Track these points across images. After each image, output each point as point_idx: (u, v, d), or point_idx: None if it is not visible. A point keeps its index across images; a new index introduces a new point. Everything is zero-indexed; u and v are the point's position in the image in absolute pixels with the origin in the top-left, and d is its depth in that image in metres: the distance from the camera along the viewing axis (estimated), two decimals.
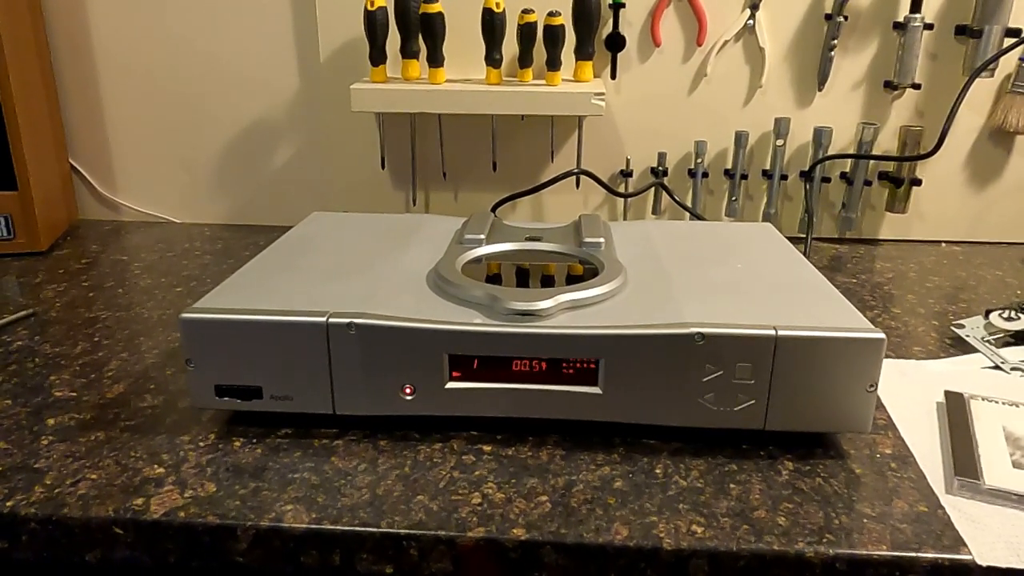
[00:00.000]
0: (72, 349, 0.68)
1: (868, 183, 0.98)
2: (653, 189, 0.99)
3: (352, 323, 0.52)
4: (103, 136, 1.03)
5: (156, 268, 0.89)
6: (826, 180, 0.98)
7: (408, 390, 0.54)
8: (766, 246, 0.69)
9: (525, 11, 0.88)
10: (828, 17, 0.92)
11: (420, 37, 0.89)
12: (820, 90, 0.96)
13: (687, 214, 0.98)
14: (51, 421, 0.57)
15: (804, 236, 0.97)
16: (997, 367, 0.67)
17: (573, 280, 0.59)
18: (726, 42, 0.94)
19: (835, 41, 0.93)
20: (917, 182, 0.97)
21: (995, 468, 0.51)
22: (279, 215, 1.05)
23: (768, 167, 0.98)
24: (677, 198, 0.97)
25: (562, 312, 0.54)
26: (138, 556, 0.48)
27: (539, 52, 0.90)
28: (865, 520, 0.47)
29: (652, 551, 0.45)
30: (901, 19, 0.92)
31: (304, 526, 0.46)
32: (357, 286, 0.58)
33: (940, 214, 1.00)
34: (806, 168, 0.98)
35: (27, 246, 0.92)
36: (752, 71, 0.95)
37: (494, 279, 0.60)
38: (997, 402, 0.59)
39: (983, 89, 0.95)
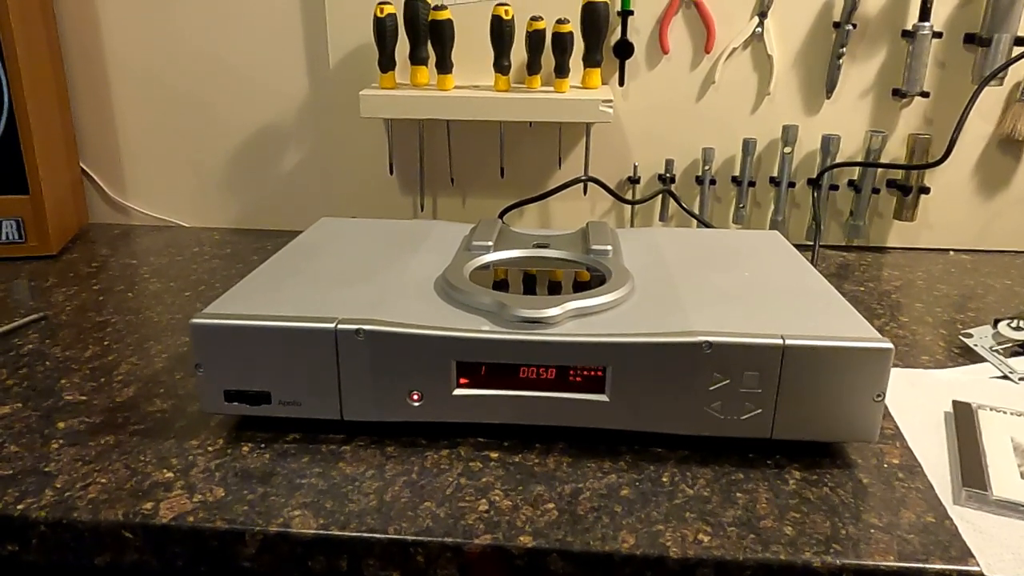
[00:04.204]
0: (82, 353, 0.69)
1: (876, 191, 0.98)
2: (661, 196, 0.99)
3: (360, 329, 0.52)
4: (114, 141, 1.04)
5: (165, 272, 0.89)
6: (834, 188, 0.98)
7: (416, 396, 0.54)
8: (773, 254, 0.69)
9: (534, 18, 0.88)
10: (836, 25, 0.92)
11: (429, 44, 0.90)
12: (828, 98, 0.96)
13: (694, 221, 0.98)
14: (61, 424, 0.57)
15: (811, 244, 0.97)
16: (1005, 377, 0.66)
17: (581, 287, 0.59)
18: (734, 49, 0.94)
19: (843, 49, 0.93)
20: (925, 190, 0.97)
21: (1003, 479, 0.51)
22: (288, 220, 1.05)
23: (776, 174, 0.98)
24: (684, 205, 0.97)
25: (569, 319, 0.54)
26: (147, 560, 0.48)
27: (547, 59, 0.91)
28: (872, 530, 0.47)
29: (658, 559, 0.45)
30: (910, 27, 0.92)
31: (312, 532, 0.47)
32: (365, 292, 0.58)
33: (948, 222, 1.00)
34: (814, 176, 0.98)
35: (38, 250, 0.93)
36: (760, 78, 0.95)
37: (502, 286, 0.60)
38: (1005, 412, 0.59)
39: (992, 98, 0.94)
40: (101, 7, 0.98)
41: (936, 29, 0.91)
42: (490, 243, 0.67)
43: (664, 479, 0.52)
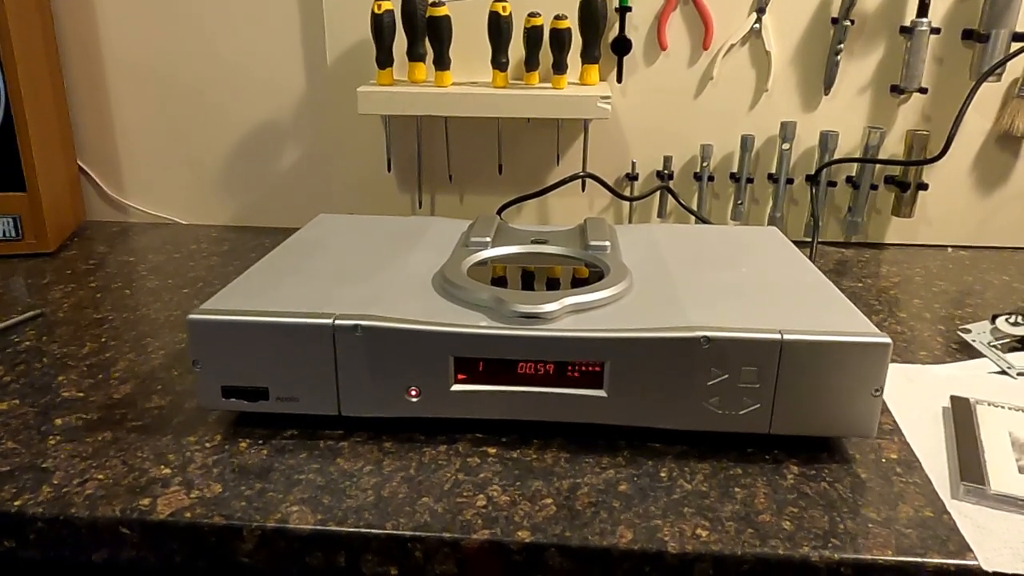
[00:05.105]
0: (80, 350, 0.69)
1: (874, 187, 0.98)
2: (659, 192, 0.99)
3: (358, 325, 0.52)
4: (111, 138, 1.04)
5: (163, 269, 0.89)
6: (832, 184, 0.98)
7: (414, 392, 0.54)
8: (772, 250, 0.69)
9: (531, 14, 0.88)
10: (834, 21, 0.92)
11: (427, 40, 0.90)
12: (826, 94, 0.96)
13: (693, 218, 0.98)
14: (58, 421, 0.57)
15: (810, 240, 0.97)
16: (1003, 372, 0.66)
17: (579, 283, 0.59)
18: (732, 46, 0.94)
19: (841, 45, 0.93)
20: (923, 186, 0.97)
21: (1001, 474, 0.51)
22: (285, 217, 1.05)
23: (774, 171, 0.98)
24: (683, 202, 0.97)
25: (567, 315, 0.54)
26: (144, 556, 0.48)
27: (545, 55, 0.90)
28: (870, 525, 0.47)
29: (657, 555, 0.45)
30: (908, 23, 0.91)
31: (309, 527, 0.46)
32: (363, 288, 0.58)
33: (946, 218, 1.00)
34: (812, 172, 0.98)
35: (35, 247, 0.93)
36: (758, 75, 0.95)
37: (500, 282, 0.60)
38: (1003, 407, 0.59)
39: (990, 93, 0.94)
40: (98, 3, 0.98)
41: (934, 25, 0.91)
42: (488, 239, 0.67)
43: (662, 474, 0.52)
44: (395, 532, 0.46)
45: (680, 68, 0.95)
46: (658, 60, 0.95)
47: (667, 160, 0.98)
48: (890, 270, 0.92)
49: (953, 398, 0.60)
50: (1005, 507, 0.49)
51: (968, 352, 0.70)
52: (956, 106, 0.90)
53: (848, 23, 0.92)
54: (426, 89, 0.90)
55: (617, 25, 0.93)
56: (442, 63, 0.90)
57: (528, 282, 0.60)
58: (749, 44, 0.94)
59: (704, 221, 0.97)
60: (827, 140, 0.95)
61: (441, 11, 0.87)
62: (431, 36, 0.89)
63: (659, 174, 0.99)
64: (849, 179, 0.98)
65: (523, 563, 0.46)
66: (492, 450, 0.54)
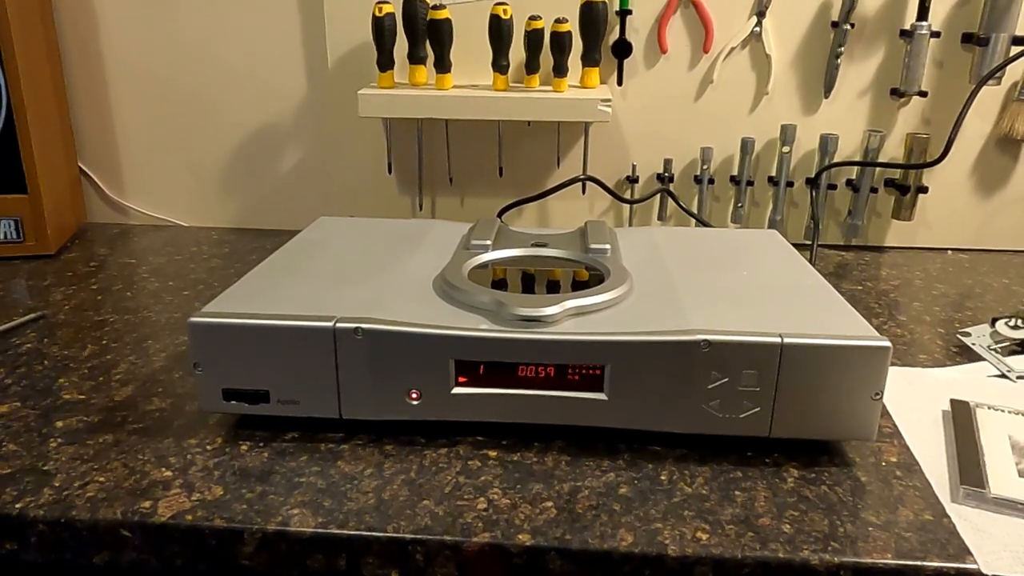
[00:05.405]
0: (80, 352, 0.69)
1: (874, 190, 0.98)
2: (659, 195, 0.99)
3: (359, 328, 0.52)
4: (112, 140, 1.04)
5: (164, 271, 0.89)
6: (832, 187, 0.98)
7: (414, 395, 0.54)
8: (772, 253, 0.69)
9: (532, 18, 0.88)
10: (835, 24, 0.92)
11: (428, 43, 0.90)
12: (826, 97, 0.96)
13: (693, 220, 0.99)
14: (60, 423, 0.57)
15: (810, 243, 0.97)
16: (1003, 375, 0.67)
17: (579, 286, 0.59)
18: (732, 49, 0.94)
19: (842, 48, 0.93)
20: (923, 189, 0.97)
21: (1001, 477, 0.51)
22: (286, 219, 1.05)
23: (774, 174, 0.98)
24: (683, 204, 0.97)
25: (568, 318, 0.54)
26: (145, 559, 0.48)
27: (546, 58, 0.91)
28: (870, 528, 0.47)
29: (657, 558, 0.45)
30: (908, 27, 0.92)
31: (310, 530, 0.47)
32: (364, 291, 0.58)
33: (946, 221, 1.00)
34: (812, 175, 0.98)
35: (36, 249, 0.93)
36: (758, 78, 0.96)
37: (500, 285, 0.60)
38: (1003, 411, 0.59)
39: (990, 97, 0.95)
40: (99, 5, 0.98)
41: (934, 29, 0.91)
42: (489, 242, 0.67)
43: (662, 477, 0.52)
44: (396, 535, 0.46)
45: (680, 71, 0.95)
46: (658, 63, 0.95)
47: (667, 163, 0.98)
48: (890, 273, 0.92)
49: (953, 401, 0.60)
50: (1005, 510, 0.49)
51: (968, 355, 0.70)
52: (956, 109, 0.90)
53: (848, 26, 0.92)
54: (427, 92, 0.90)
55: (617, 28, 0.93)
56: (443, 66, 0.90)
57: (529, 285, 0.60)
58: (749, 47, 0.95)
59: (704, 224, 0.98)
60: (827, 143, 0.96)
61: (442, 14, 0.87)
62: (432, 39, 0.89)
63: (659, 177, 1.00)
64: (849, 182, 0.98)
65: (523, 566, 0.46)
66: (493, 453, 0.54)
